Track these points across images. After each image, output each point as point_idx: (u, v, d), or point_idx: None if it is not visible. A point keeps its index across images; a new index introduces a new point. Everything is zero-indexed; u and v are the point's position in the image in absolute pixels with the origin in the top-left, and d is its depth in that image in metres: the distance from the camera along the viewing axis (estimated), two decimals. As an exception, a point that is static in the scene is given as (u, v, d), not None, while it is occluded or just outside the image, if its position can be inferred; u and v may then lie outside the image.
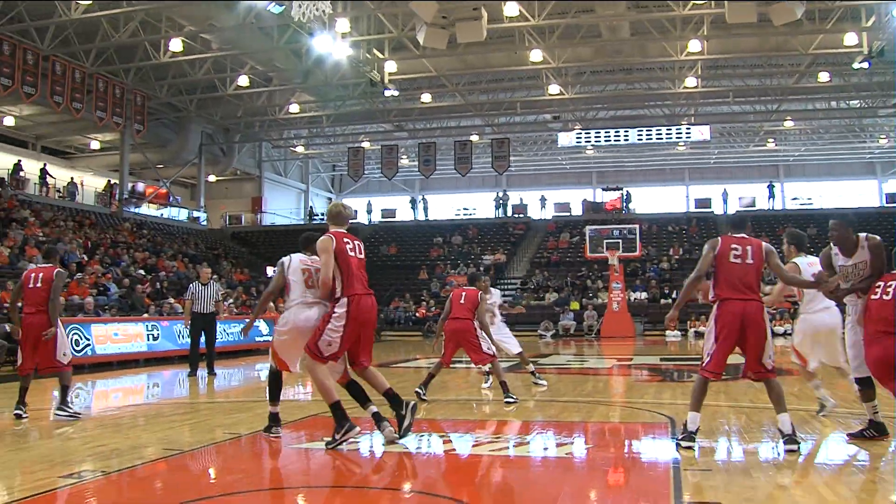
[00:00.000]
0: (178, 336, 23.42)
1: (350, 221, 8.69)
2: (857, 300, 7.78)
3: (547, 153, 56.49)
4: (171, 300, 27.83)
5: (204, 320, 17.60)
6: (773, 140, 53.35)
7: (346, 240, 8.29)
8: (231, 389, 16.21)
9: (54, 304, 10.50)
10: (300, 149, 56.00)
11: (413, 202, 56.84)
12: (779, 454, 7.36)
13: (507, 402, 11.38)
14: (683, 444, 7.53)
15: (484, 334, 12.14)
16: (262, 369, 16.94)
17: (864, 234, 7.84)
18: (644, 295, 39.23)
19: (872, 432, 7.94)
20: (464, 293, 12.31)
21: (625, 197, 51.74)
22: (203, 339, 17.80)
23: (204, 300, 17.53)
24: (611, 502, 6.16)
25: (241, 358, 23.70)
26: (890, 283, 6.80)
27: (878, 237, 7.82)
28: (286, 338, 8.49)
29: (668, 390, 13.89)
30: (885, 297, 6.73)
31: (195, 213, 49.91)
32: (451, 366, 12.82)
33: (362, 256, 8.44)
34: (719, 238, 8.11)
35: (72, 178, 42.66)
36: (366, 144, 50.74)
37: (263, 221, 54.82)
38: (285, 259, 8.79)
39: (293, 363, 8.58)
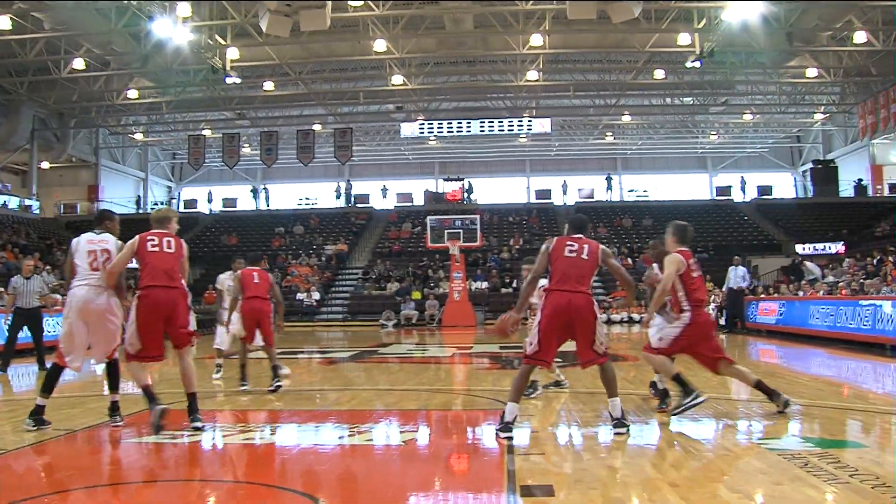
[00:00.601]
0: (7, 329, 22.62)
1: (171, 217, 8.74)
2: None
3: (390, 143, 56.57)
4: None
5: (28, 315, 16.73)
6: (611, 134, 54.80)
7: (150, 237, 8.39)
8: (63, 384, 15.73)
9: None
10: (139, 136, 54.56)
11: (254, 191, 56.23)
12: (609, 438, 7.59)
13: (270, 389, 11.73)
14: (502, 434, 7.61)
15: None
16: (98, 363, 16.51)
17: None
18: (485, 284, 39.76)
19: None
20: (255, 273, 12.14)
21: (466, 188, 52.31)
22: (30, 335, 16.93)
23: (27, 294, 16.65)
24: (443, 488, 6.23)
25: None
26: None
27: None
28: (67, 328, 8.46)
29: (508, 377, 14.07)
30: None
31: (27, 202, 48.09)
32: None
33: (170, 251, 8.38)
34: (555, 238, 8.48)
35: None
36: (207, 132, 49.87)
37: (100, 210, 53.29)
38: (73, 240, 8.73)
39: (74, 356, 8.52)
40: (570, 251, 8.20)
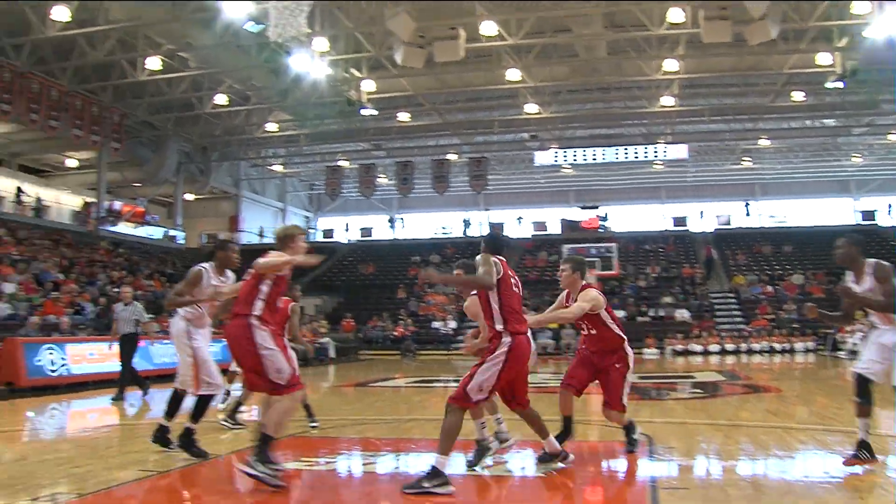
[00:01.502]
0: (155, 356, 23.34)
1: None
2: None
3: (524, 172, 56.45)
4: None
5: (124, 340, 16.88)
6: (749, 158, 53.52)
7: None
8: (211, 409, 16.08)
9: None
10: (278, 167, 55.86)
11: (391, 221, 56.83)
12: (756, 472, 7.37)
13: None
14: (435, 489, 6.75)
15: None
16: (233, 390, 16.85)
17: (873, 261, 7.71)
18: (622, 313, 39.19)
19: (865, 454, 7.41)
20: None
21: (602, 216, 51.86)
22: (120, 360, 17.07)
23: (126, 321, 16.84)
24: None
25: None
26: None
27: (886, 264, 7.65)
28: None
29: (646, 408, 13.89)
30: None
31: (172, 232, 49.67)
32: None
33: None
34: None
35: (28, 194, 41.93)
36: (343, 163, 50.69)
37: (241, 240, 54.63)
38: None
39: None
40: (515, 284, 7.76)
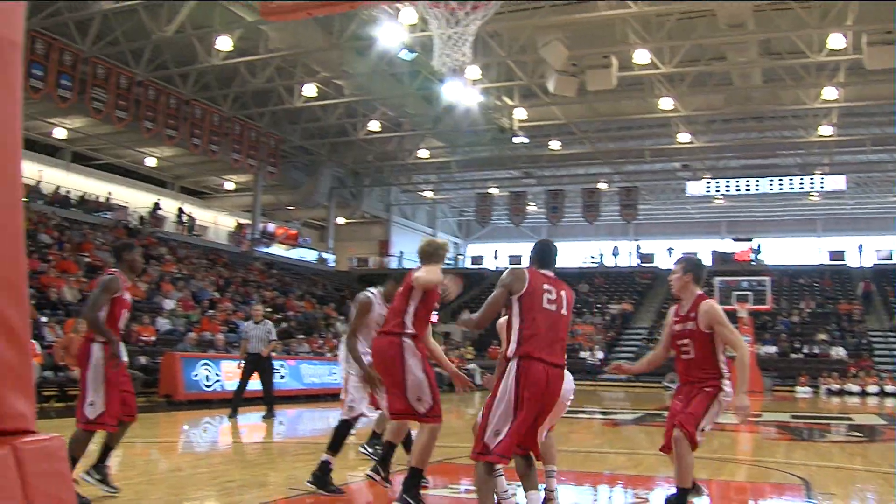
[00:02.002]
0: (305, 376, 23.84)
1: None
2: None
3: (675, 202, 55.72)
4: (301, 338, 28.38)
5: (258, 361, 16.68)
6: (912, 190, 51.66)
7: None
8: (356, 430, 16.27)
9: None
10: (428, 193, 56.54)
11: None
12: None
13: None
14: None
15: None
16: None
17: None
18: (774, 349, 38.22)
19: None
20: None
21: (755, 248, 50.70)
22: (260, 381, 16.95)
23: (257, 339, 16.64)
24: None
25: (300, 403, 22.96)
26: None
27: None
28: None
29: (800, 449, 13.46)
30: None
31: (324, 255, 50.72)
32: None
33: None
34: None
35: (186, 213, 43.39)
36: (494, 190, 50.91)
37: (391, 264, 55.33)
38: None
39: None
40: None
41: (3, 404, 2.85)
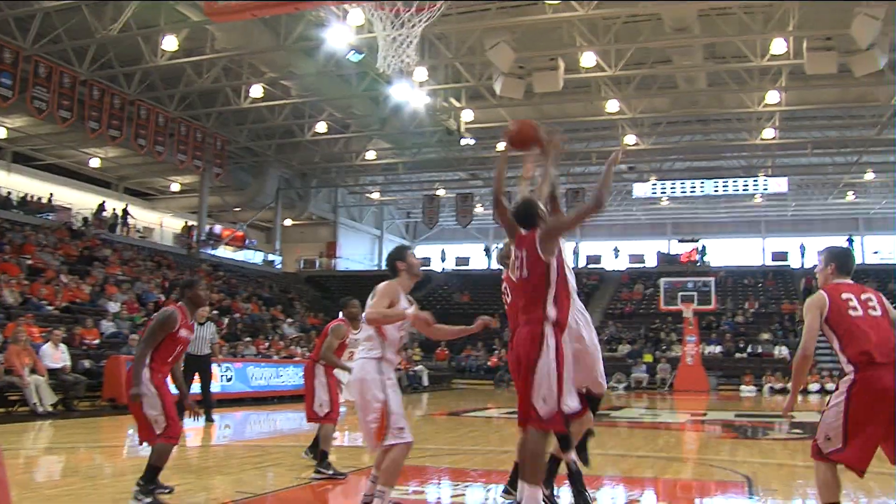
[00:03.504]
0: (252, 378, 23.66)
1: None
2: None
3: (622, 204, 56.07)
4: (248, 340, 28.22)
5: (198, 362, 16.32)
6: (853, 192, 52.34)
7: None
8: (301, 433, 16.24)
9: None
10: (376, 195, 56.50)
11: (487, 250, 56.86)
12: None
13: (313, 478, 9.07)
14: None
15: (324, 381, 9.64)
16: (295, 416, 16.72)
17: None
18: (718, 349, 38.64)
19: None
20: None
21: (700, 249, 51.20)
22: (198, 382, 16.66)
23: (199, 340, 16.07)
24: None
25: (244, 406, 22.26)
26: None
27: None
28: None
29: (744, 448, 13.63)
30: None
31: (270, 257, 50.49)
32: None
33: None
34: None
35: (117, 210, 43.03)
36: (441, 192, 50.95)
37: (338, 266, 55.17)
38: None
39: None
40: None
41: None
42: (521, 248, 6.49)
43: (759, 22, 27.99)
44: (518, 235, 6.62)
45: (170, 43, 29.24)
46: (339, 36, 26.53)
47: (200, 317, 16.28)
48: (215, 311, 32.11)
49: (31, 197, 36.84)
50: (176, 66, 32.34)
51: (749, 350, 38.30)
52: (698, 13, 27.20)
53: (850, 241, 50.22)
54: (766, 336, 39.17)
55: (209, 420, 16.13)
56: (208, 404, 16.38)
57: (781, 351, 37.44)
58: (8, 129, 36.71)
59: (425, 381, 34.05)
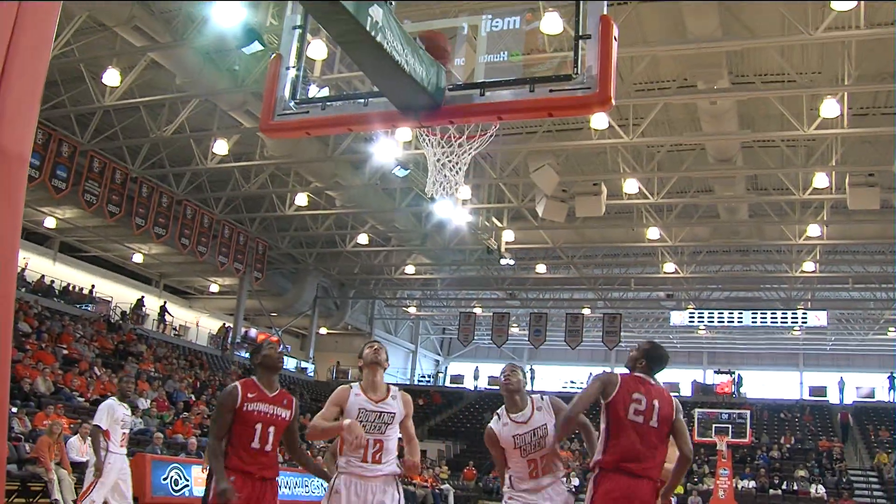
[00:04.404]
0: (282, 486, 23.42)
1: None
2: None
3: (658, 331, 55.75)
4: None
5: None
6: (894, 329, 51.80)
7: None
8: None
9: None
10: (412, 309, 56.59)
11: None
12: None
13: None
14: None
15: None
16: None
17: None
18: (752, 484, 37.79)
19: None
20: None
21: (736, 380, 50.62)
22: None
23: None
24: None
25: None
26: None
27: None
28: None
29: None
30: None
31: (303, 364, 50.45)
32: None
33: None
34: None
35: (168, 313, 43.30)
36: (477, 310, 50.94)
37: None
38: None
39: None
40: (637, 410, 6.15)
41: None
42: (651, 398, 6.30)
43: (801, 156, 28.21)
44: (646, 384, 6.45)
45: (220, 147, 29.88)
46: (386, 151, 26.95)
47: None
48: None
49: (73, 287, 37.25)
50: (224, 170, 33.00)
51: (784, 487, 37.50)
52: (741, 145, 27.44)
53: (892, 378, 49.52)
54: (801, 473, 38.35)
55: None
56: None
57: (819, 489, 36.62)
58: (58, 219, 37.33)
59: (451, 502, 33.57)
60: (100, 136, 29.94)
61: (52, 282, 36.12)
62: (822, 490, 36.42)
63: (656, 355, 6.75)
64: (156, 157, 32.10)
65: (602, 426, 6.20)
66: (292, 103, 6.60)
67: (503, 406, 7.32)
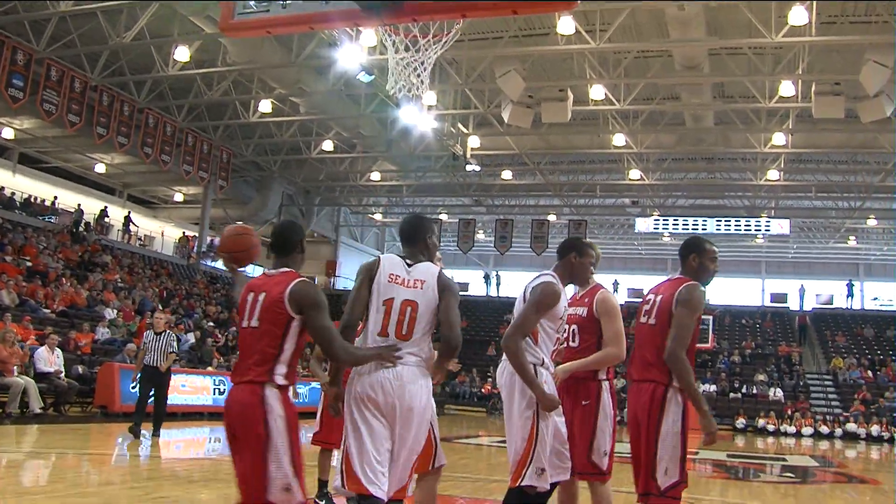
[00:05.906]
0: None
1: None
2: None
3: (623, 237, 56.16)
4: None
5: (156, 374, 15.09)
6: (854, 238, 52.40)
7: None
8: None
9: None
10: (378, 216, 56.55)
11: (486, 277, 56.82)
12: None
13: None
14: None
15: None
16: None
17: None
18: (713, 388, 38.51)
19: None
20: None
21: (700, 286, 51.01)
22: (154, 396, 15.44)
23: (157, 351, 15.12)
24: None
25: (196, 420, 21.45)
26: None
27: None
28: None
29: (734, 488, 13.57)
30: None
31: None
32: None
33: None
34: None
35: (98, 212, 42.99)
36: (444, 217, 50.93)
37: (337, 285, 55.09)
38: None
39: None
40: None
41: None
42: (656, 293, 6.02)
43: (768, 63, 28.15)
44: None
45: (182, 54, 29.29)
46: (351, 56, 26.57)
47: (159, 326, 15.53)
48: (211, 323, 32.11)
49: (35, 199, 36.87)
50: (186, 77, 32.42)
51: (744, 390, 38.20)
52: (709, 52, 27.29)
53: (851, 285, 50.31)
54: (761, 377, 39.06)
55: (156, 434, 15.10)
56: (159, 418, 15.39)
57: (777, 392, 37.36)
58: (16, 130, 36.73)
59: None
60: (56, 43, 29.02)
61: (13, 194, 35.74)
62: (780, 393, 37.20)
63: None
64: (115, 64, 31.40)
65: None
66: (252, 2, 6.46)
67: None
